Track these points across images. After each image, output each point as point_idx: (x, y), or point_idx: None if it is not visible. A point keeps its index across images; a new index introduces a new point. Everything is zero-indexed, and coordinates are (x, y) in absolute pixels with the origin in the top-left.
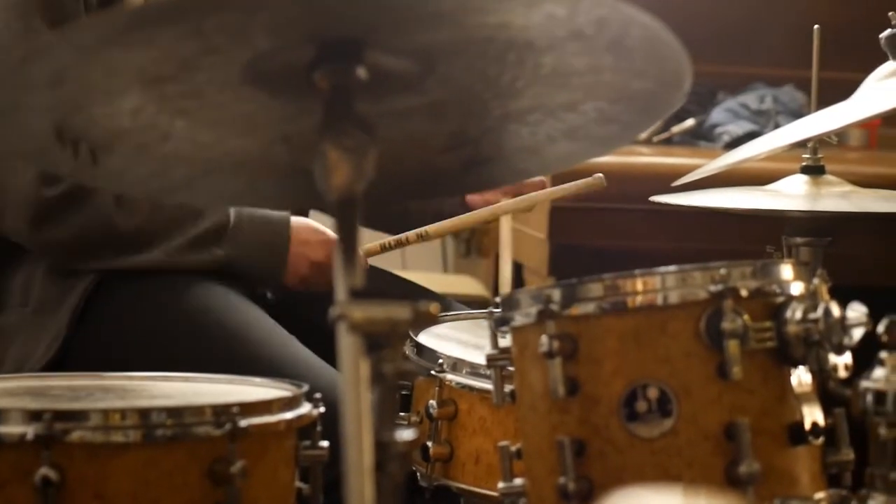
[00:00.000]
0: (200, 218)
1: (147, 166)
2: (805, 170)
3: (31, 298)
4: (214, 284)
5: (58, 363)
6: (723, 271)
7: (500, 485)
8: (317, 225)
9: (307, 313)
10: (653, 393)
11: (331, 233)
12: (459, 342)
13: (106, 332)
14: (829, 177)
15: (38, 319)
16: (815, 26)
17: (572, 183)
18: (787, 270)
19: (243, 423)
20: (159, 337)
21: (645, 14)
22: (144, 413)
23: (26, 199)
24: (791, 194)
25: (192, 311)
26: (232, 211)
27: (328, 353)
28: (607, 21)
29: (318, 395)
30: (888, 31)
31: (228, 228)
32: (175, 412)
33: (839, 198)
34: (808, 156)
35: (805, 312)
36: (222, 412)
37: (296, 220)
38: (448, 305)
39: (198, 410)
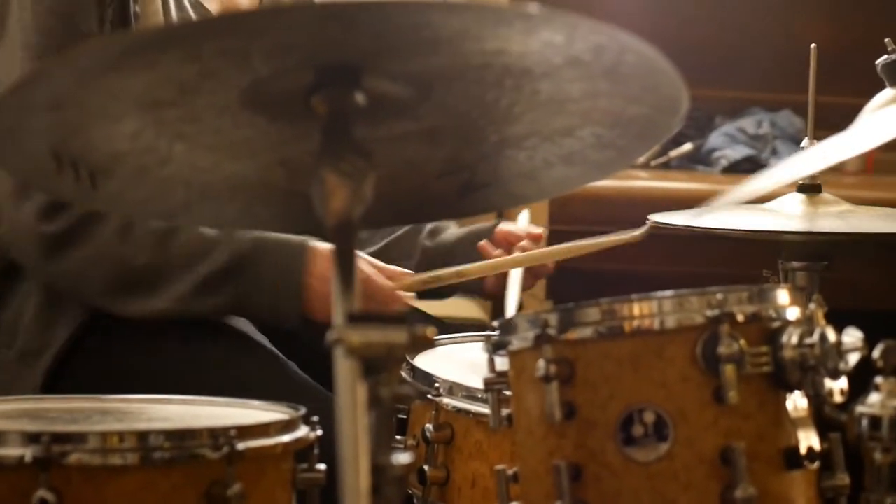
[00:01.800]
0: (208, 256)
1: (146, 190)
2: (802, 188)
3: (17, 341)
4: None
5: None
6: (719, 296)
7: None
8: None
9: (304, 336)
10: (649, 417)
11: (364, 268)
12: (457, 365)
13: (100, 360)
14: (825, 195)
15: (20, 366)
16: (812, 45)
17: (614, 236)
18: (783, 295)
19: (241, 445)
20: (156, 363)
21: (641, 41)
22: (142, 436)
23: (27, 235)
24: (788, 213)
25: (187, 335)
26: (245, 243)
27: (324, 376)
28: (604, 48)
29: (315, 419)
30: (884, 58)
31: (240, 268)
32: (173, 435)
33: (836, 217)
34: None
35: (801, 337)
36: (220, 435)
37: (320, 254)
38: (444, 329)
39: (195, 433)
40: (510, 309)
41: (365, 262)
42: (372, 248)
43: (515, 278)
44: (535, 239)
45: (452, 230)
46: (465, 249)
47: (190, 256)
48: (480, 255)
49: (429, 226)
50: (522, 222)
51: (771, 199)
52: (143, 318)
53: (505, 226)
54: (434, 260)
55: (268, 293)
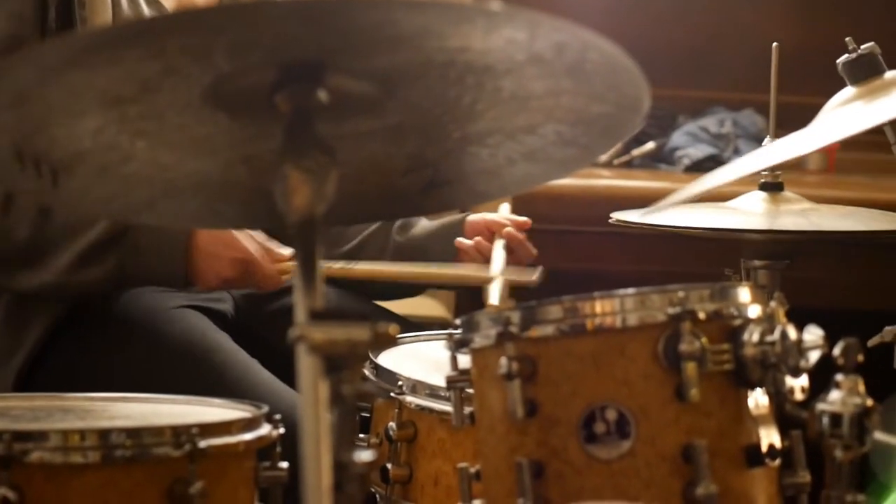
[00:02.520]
0: (88, 227)
1: (108, 187)
2: (764, 186)
3: None
4: (173, 309)
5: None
6: (681, 294)
7: None
8: (237, 239)
9: (266, 334)
10: (611, 415)
11: (252, 250)
12: (421, 363)
13: (66, 358)
14: (787, 194)
15: None
16: (774, 44)
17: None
18: (744, 293)
19: (203, 443)
20: (120, 361)
21: (603, 39)
22: (104, 434)
23: None
24: (750, 211)
25: (154, 334)
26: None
27: (287, 373)
28: (566, 46)
29: (277, 417)
30: (845, 57)
31: (121, 236)
32: (134, 433)
33: (797, 215)
34: (766, 173)
35: (762, 335)
36: (182, 433)
37: (206, 232)
38: (408, 327)
39: (157, 431)
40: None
41: (254, 241)
42: (347, 247)
43: (499, 259)
44: (521, 227)
45: (423, 224)
46: (438, 243)
47: (70, 228)
48: (455, 250)
49: (398, 221)
50: (504, 213)
51: (733, 198)
52: (33, 291)
53: (485, 214)
54: (406, 254)
55: (152, 258)
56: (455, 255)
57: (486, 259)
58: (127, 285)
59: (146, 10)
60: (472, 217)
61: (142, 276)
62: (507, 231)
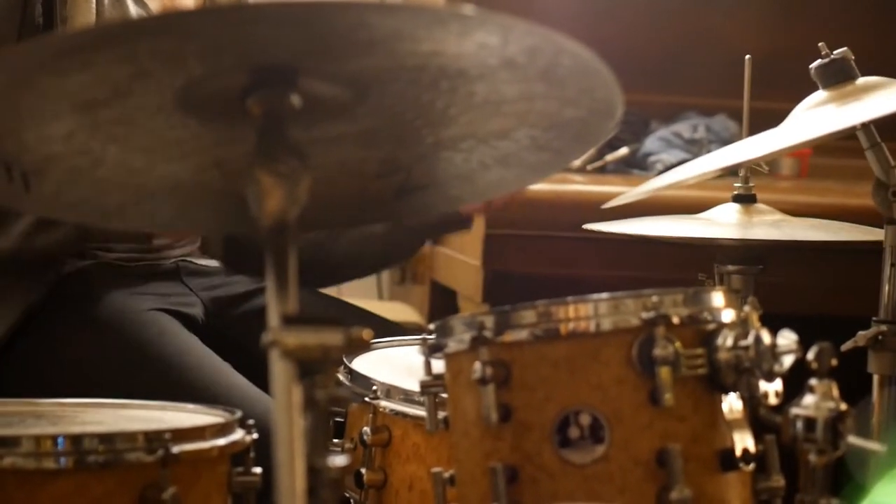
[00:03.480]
0: None
1: (80, 191)
2: (737, 198)
3: None
4: (147, 311)
5: None
6: (655, 299)
7: None
8: None
9: (237, 337)
10: (585, 419)
11: None
12: (395, 368)
13: (36, 361)
14: (760, 205)
15: None
16: (747, 56)
17: None
18: (718, 298)
19: (175, 449)
20: (91, 365)
21: (576, 43)
22: (76, 439)
23: None
24: (723, 223)
25: (125, 338)
26: None
27: (260, 376)
28: (539, 50)
29: (251, 422)
30: (818, 62)
31: None
32: (107, 438)
33: (770, 226)
34: (739, 184)
35: (736, 340)
36: (154, 438)
37: None
38: (391, 329)
39: (130, 436)
40: None
41: None
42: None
43: None
44: None
45: None
46: None
47: None
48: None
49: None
50: None
51: (707, 209)
52: None
53: None
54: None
55: None
56: None
57: None
58: (88, 244)
59: (132, 8)
60: None
61: (99, 234)
62: None
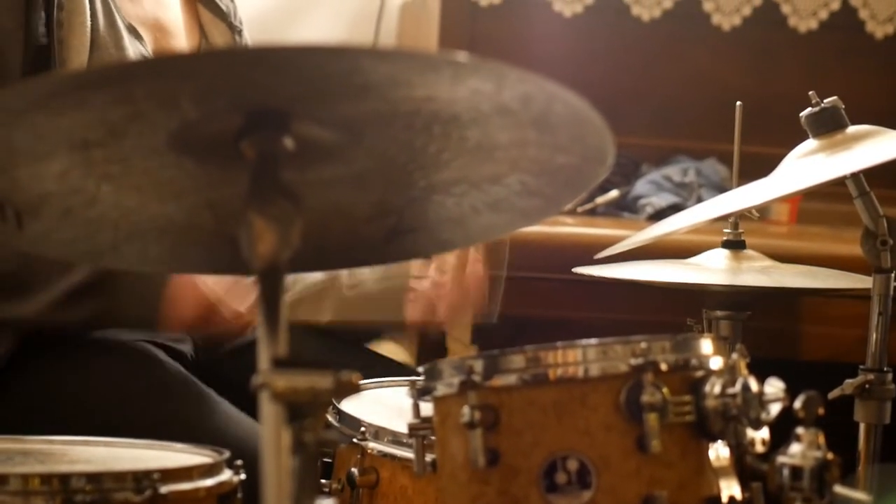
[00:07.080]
0: (71, 272)
1: (73, 230)
2: (726, 244)
3: None
4: (136, 345)
5: None
6: (643, 345)
7: None
8: (200, 284)
9: (227, 372)
10: (572, 465)
11: (210, 288)
12: (384, 409)
13: (24, 397)
14: (749, 251)
15: None
16: (738, 103)
17: None
18: (706, 345)
19: (163, 489)
20: (79, 401)
21: (569, 91)
22: (64, 478)
23: None
24: (712, 268)
25: (114, 373)
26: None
27: (250, 411)
28: (532, 97)
29: (239, 462)
30: (808, 110)
31: (104, 282)
32: (95, 478)
33: (759, 273)
34: (729, 231)
35: (724, 387)
36: (142, 478)
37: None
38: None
39: (118, 476)
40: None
41: (221, 282)
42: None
43: None
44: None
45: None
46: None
47: (58, 266)
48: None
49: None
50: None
51: (696, 254)
52: (8, 322)
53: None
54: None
55: (131, 306)
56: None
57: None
58: (101, 329)
59: (125, 34)
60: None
61: (117, 322)
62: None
